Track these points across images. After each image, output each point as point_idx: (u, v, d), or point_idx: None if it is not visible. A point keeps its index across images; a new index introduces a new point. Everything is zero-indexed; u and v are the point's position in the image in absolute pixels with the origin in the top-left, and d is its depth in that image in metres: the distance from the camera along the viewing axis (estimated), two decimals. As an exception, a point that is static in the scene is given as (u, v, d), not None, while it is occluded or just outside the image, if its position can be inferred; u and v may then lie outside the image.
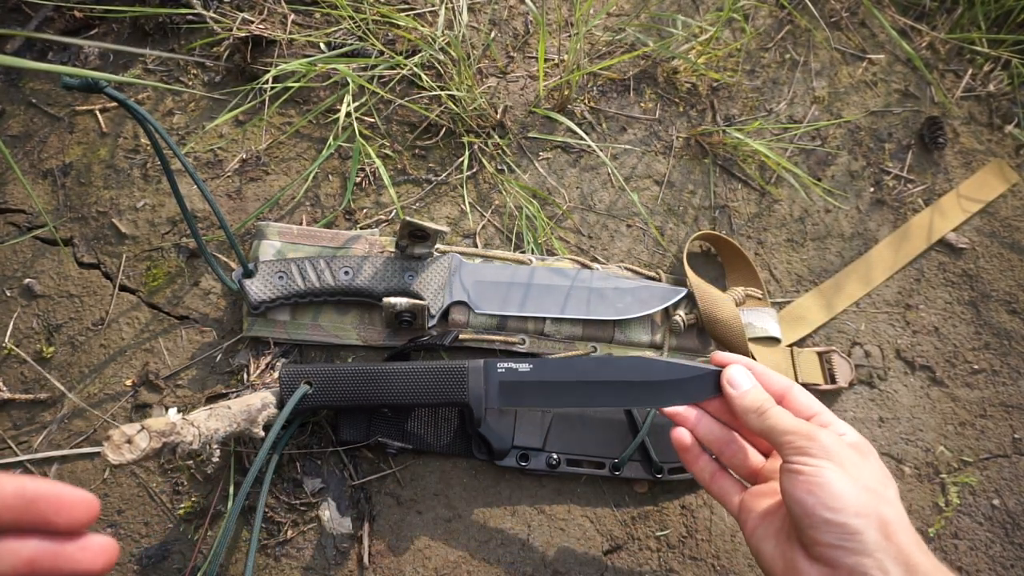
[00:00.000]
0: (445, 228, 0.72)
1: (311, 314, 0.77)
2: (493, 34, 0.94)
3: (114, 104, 0.86)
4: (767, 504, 0.60)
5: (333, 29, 0.90)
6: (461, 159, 0.87)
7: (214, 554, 0.60)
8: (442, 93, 0.85)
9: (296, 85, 0.87)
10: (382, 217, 0.84)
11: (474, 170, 0.87)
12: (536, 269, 0.79)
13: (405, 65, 0.86)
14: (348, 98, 0.83)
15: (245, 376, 0.77)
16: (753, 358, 0.78)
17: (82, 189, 0.84)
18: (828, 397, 0.83)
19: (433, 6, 0.92)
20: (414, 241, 0.74)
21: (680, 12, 0.97)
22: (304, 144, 0.87)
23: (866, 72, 0.99)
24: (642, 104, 0.94)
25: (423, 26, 0.88)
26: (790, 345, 0.83)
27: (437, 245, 0.78)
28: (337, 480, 0.74)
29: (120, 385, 0.77)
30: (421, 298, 0.74)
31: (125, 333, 0.79)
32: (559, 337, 0.79)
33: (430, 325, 0.75)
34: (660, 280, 0.83)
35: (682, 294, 0.80)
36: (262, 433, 0.66)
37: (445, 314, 0.77)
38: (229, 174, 0.85)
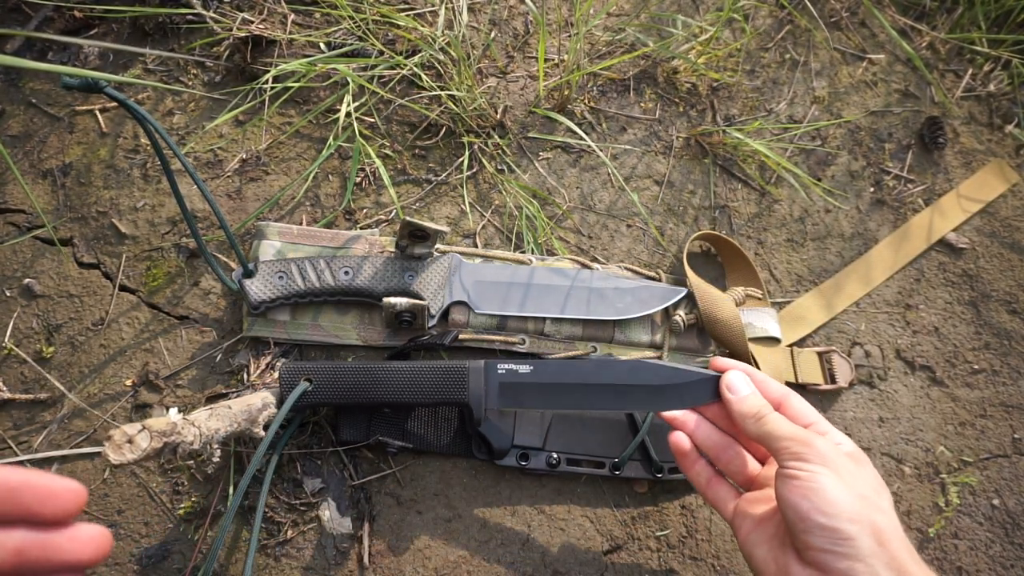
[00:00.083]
0: (445, 228, 0.72)
1: (311, 314, 0.77)
2: (493, 34, 0.94)
3: (114, 104, 0.86)
4: (761, 510, 0.60)
5: (333, 29, 0.90)
6: (461, 159, 0.87)
7: (211, 553, 0.60)
8: (442, 93, 0.85)
9: (296, 85, 0.87)
10: (382, 217, 0.84)
11: (474, 170, 0.87)
12: (536, 269, 0.79)
13: (405, 65, 0.86)
14: (348, 98, 0.84)
15: (245, 376, 0.77)
16: (753, 358, 0.78)
17: (82, 189, 0.84)
18: (828, 397, 0.83)
19: (433, 6, 0.92)
20: (414, 241, 0.74)
21: (680, 12, 0.97)
22: (304, 144, 0.87)
23: (866, 72, 0.99)
24: (642, 104, 0.94)
25: (423, 26, 0.88)
26: (790, 345, 0.83)
27: (437, 245, 0.78)
28: (337, 480, 0.74)
29: (120, 385, 0.77)
30: (421, 298, 0.74)
31: (125, 333, 0.79)
32: (559, 337, 0.79)
33: (430, 325, 0.75)
34: (660, 280, 0.83)
35: (682, 294, 0.80)
36: (263, 433, 0.66)
37: (445, 314, 0.77)
38: (229, 174, 0.85)
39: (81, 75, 0.53)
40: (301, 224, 0.83)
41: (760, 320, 0.81)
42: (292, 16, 0.90)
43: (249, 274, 0.74)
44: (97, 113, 0.87)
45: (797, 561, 0.54)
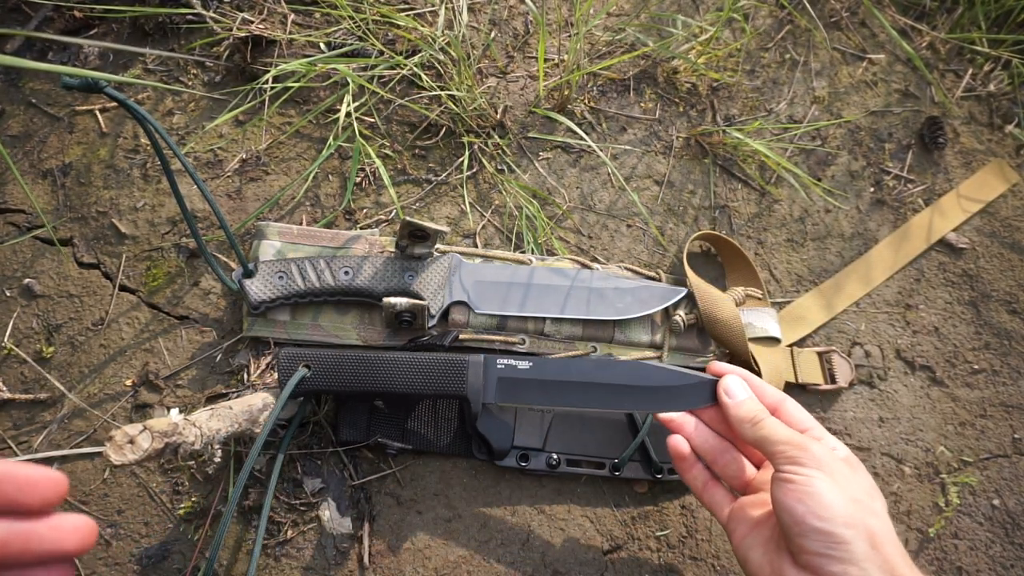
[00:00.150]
0: (445, 228, 0.72)
1: (311, 314, 0.77)
2: (493, 34, 0.94)
3: (114, 104, 0.86)
4: (756, 514, 0.61)
5: (333, 29, 0.90)
6: (461, 159, 0.87)
7: (213, 552, 0.60)
8: (442, 93, 0.85)
9: (296, 85, 0.87)
10: (382, 217, 0.84)
11: (474, 170, 0.87)
12: (536, 269, 0.79)
13: (405, 65, 0.86)
14: (348, 98, 0.83)
15: (245, 376, 0.77)
16: (753, 358, 0.78)
17: (82, 189, 0.84)
18: (828, 397, 0.83)
19: (433, 6, 0.92)
20: (414, 241, 0.74)
21: (680, 12, 0.97)
22: (304, 144, 0.87)
23: (866, 72, 0.99)
24: (642, 104, 0.94)
25: (423, 26, 0.88)
26: (790, 345, 0.83)
27: (437, 245, 0.78)
28: (337, 480, 0.74)
29: (120, 385, 0.77)
30: (421, 298, 0.74)
31: (125, 333, 0.79)
32: (559, 337, 0.79)
33: (430, 325, 0.75)
34: (660, 280, 0.83)
35: (682, 294, 0.80)
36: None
37: (445, 314, 0.77)
38: (229, 174, 0.85)
39: (81, 75, 0.53)
40: (301, 224, 0.83)
41: (760, 320, 0.81)
42: (292, 16, 0.90)
43: (249, 274, 0.74)
44: (97, 113, 0.87)
45: (792, 565, 0.55)
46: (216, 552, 0.60)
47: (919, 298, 0.89)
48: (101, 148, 0.85)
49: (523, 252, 0.83)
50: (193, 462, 0.73)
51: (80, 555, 0.41)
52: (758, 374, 0.77)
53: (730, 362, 0.80)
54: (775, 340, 0.81)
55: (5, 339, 0.77)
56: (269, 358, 0.77)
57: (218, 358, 0.78)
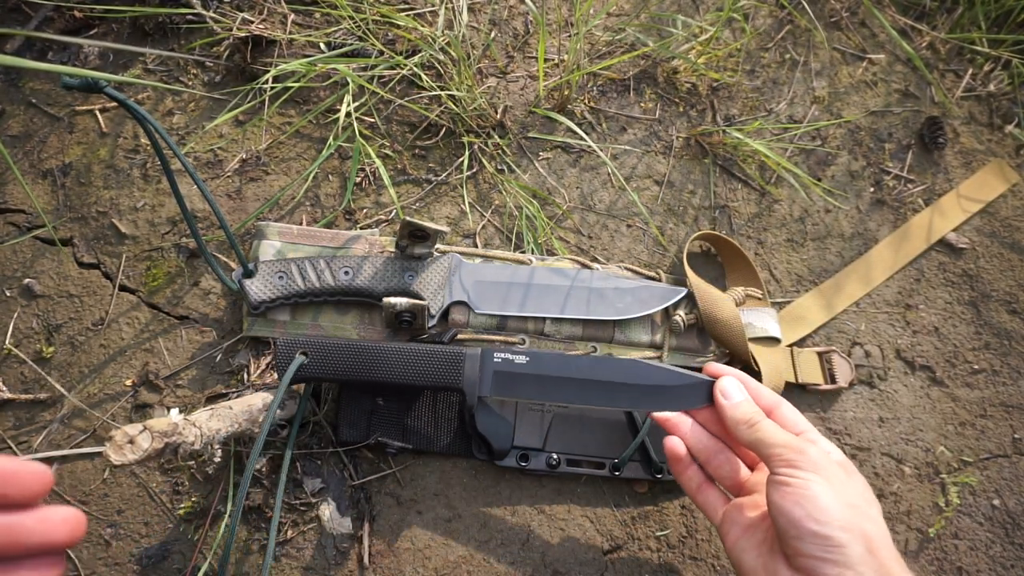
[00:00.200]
0: (445, 228, 0.72)
1: (311, 314, 0.77)
2: (493, 34, 0.94)
3: (114, 104, 0.86)
4: (750, 516, 0.61)
5: (333, 29, 0.90)
6: (461, 159, 0.87)
7: (224, 554, 0.60)
8: (442, 93, 0.85)
9: (296, 85, 0.87)
10: (382, 217, 0.84)
11: (474, 170, 0.87)
12: (536, 269, 0.79)
13: (405, 65, 0.86)
14: (348, 98, 0.83)
15: (245, 376, 0.77)
16: (753, 358, 0.78)
17: (82, 189, 0.84)
18: (828, 397, 0.83)
19: (433, 6, 0.92)
20: (414, 241, 0.74)
21: (680, 12, 0.97)
22: (304, 144, 0.87)
23: (866, 72, 0.99)
24: (642, 104, 0.94)
25: (423, 26, 0.88)
26: (790, 345, 0.83)
27: (437, 245, 0.78)
28: (337, 480, 0.74)
29: (120, 385, 0.77)
30: (421, 298, 0.74)
31: (125, 333, 0.79)
32: (559, 337, 0.79)
33: (430, 325, 0.75)
34: (660, 280, 0.83)
35: (682, 294, 0.80)
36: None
37: (445, 314, 0.77)
38: (229, 174, 0.85)
39: (81, 75, 0.53)
40: (301, 224, 0.83)
41: (760, 320, 0.81)
42: (292, 16, 0.90)
43: (249, 274, 0.74)
44: (97, 113, 0.87)
45: (786, 567, 0.55)
46: (228, 555, 0.60)
47: (919, 298, 0.89)
48: (101, 148, 0.85)
49: (523, 252, 0.83)
50: (193, 462, 0.73)
51: (70, 547, 0.41)
52: (758, 374, 0.77)
53: (730, 362, 0.80)
54: (775, 340, 0.81)
55: (5, 339, 0.77)
56: (269, 358, 0.77)
57: (218, 358, 0.78)
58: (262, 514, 0.72)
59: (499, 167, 0.88)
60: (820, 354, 0.83)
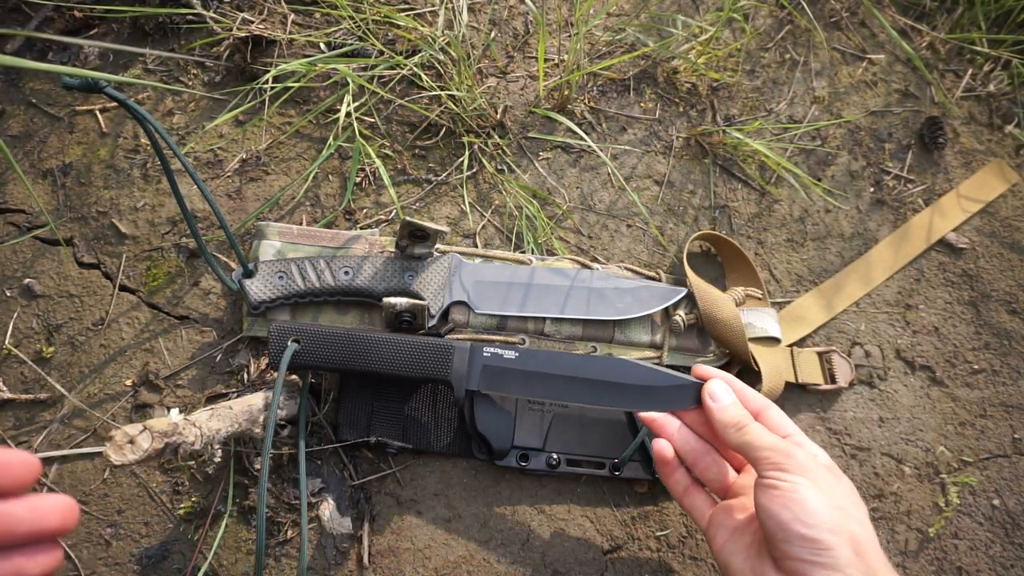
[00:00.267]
0: (445, 228, 0.72)
1: (311, 314, 0.77)
2: (493, 34, 0.94)
3: (114, 104, 0.86)
4: (738, 519, 0.61)
5: (333, 29, 0.90)
6: (461, 159, 0.87)
7: (258, 556, 0.59)
8: (442, 93, 0.85)
9: (296, 85, 0.87)
10: (382, 217, 0.84)
11: (474, 170, 0.87)
12: (536, 269, 0.79)
13: (405, 65, 0.86)
14: (348, 98, 0.83)
15: (245, 376, 0.77)
16: (753, 358, 0.78)
17: (82, 189, 0.84)
18: (828, 397, 0.83)
19: (433, 6, 0.92)
20: (414, 241, 0.74)
21: (680, 12, 0.97)
22: (304, 144, 0.87)
23: (866, 72, 0.99)
24: (642, 104, 0.94)
25: (423, 26, 0.88)
26: (790, 345, 0.83)
27: (437, 245, 0.78)
28: (337, 480, 0.74)
29: (120, 385, 0.77)
30: (421, 298, 0.74)
31: (125, 333, 0.79)
32: (559, 337, 0.79)
33: (430, 325, 0.75)
34: (660, 280, 0.83)
35: (682, 294, 0.80)
36: (263, 433, 0.66)
37: (445, 314, 0.77)
38: (229, 174, 0.85)
39: (81, 75, 0.53)
40: (301, 224, 0.83)
41: (760, 320, 0.81)
42: (292, 16, 0.90)
43: (249, 274, 0.74)
44: (97, 113, 0.87)
45: (774, 570, 0.56)
46: (262, 553, 0.59)
47: (919, 298, 0.89)
48: (101, 148, 0.85)
49: (523, 252, 0.83)
50: (193, 462, 0.73)
51: (62, 534, 0.41)
52: (758, 374, 0.77)
53: (730, 362, 0.80)
54: (775, 340, 0.81)
55: (5, 340, 0.77)
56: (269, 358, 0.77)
57: (218, 358, 0.78)
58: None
59: (499, 167, 0.88)
60: (820, 354, 0.83)
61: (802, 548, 0.53)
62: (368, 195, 0.85)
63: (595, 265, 0.82)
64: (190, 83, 0.89)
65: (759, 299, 0.83)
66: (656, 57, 0.95)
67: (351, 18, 0.88)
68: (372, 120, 0.88)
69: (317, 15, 0.92)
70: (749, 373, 0.79)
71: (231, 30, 0.87)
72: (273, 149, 0.86)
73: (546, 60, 0.92)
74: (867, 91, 0.98)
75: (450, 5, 0.90)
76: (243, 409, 0.64)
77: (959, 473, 0.82)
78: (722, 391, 0.64)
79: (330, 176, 0.86)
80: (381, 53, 0.88)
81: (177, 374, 0.77)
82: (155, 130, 0.59)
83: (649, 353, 0.79)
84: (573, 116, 0.91)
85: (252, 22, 0.88)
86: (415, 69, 0.86)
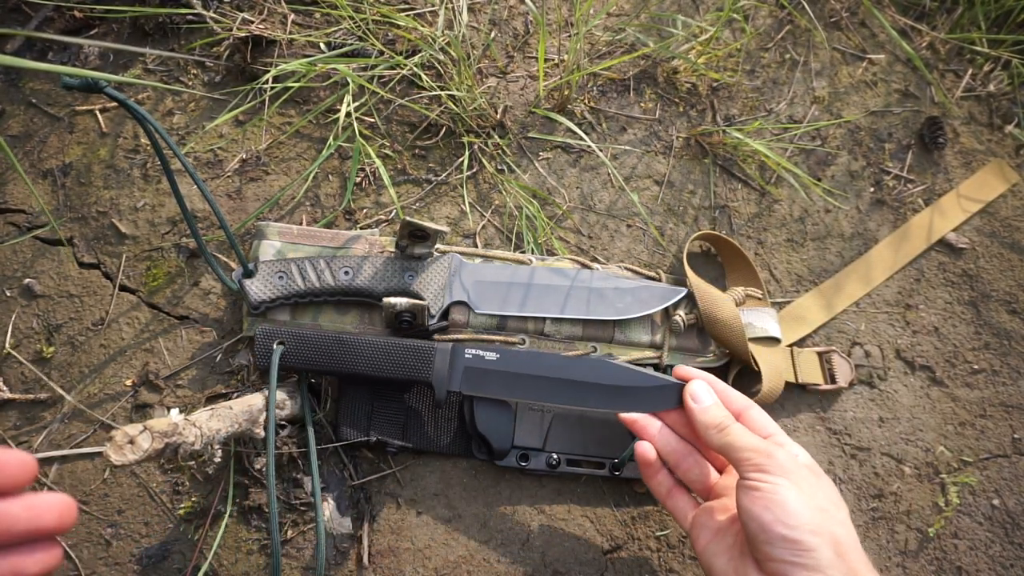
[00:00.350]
0: (445, 228, 0.72)
1: (311, 314, 0.77)
2: (493, 34, 0.94)
3: (114, 104, 0.86)
4: (720, 520, 0.61)
5: (333, 29, 0.90)
6: (461, 159, 0.87)
7: (275, 558, 0.59)
8: (442, 93, 0.85)
9: (296, 85, 0.87)
10: (382, 217, 0.84)
11: (474, 170, 0.87)
12: (536, 269, 0.79)
13: (405, 65, 0.86)
14: (348, 98, 0.83)
15: (245, 376, 0.77)
16: (753, 358, 0.78)
17: (82, 189, 0.84)
18: (828, 397, 0.83)
19: (433, 6, 0.92)
20: (414, 241, 0.74)
21: (680, 12, 0.97)
22: (304, 144, 0.87)
23: (866, 72, 0.99)
24: (642, 104, 0.94)
25: (423, 26, 0.88)
26: (790, 345, 0.83)
27: (437, 245, 0.78)
28: (337, 480, 0.74)
29: (120, 385, 0.77)
30: (421, 298, 0.74)
31: (125, 333, 0.79)
32: (559, 337, 0.79)
33: (430, 325, 0.75)
34: (660, 280, 0.83)
35: (682, 294, 0.80)
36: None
37: (445, 314, 0.77)
38: (229, 174, 0.85)
39: (81, 75, 0.53)
40: (301, 224, 0.83)
41: (760, 320, 0.81)
42: (292, 16, 0.90)
43: (249, 274, 0.74)
44: (97, 113, 0.87)
45: (757, 571, 0.56)
46: (279, 555, 0.59)
47: (919, 298, 0.89)
48: (101, 148, 0.85)
49: (523, 252, 0.83)
50: (193, 462, 0.73)
51: (60, 533, 0.41)
52: (758, 374, 0.77)
53: (729, 362, 0.80)
54: (775, 340, 0.81)
55: (6, 340, 0.77)
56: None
57: (218, 358, 0.78)
58: (263, 514, 0.72)
59: (499, 167, 0.88)
60: (820, 354, 0.83)
61: (783, 549, 0.53)
62: (368, 195, 0.85)
63: (595, 265, 0.82)
64: (190, 83, 0.89)
65: (759, 299, 0.83)
66: (656, 57, 0.95)
67: (351, 18, 0.88)
68: (372, 120, 0.88)
69: (317, 15, 0.92)
70: (749, 373, 0.79)
71: (231, 30, 0.87)
72: (273, 149, 0.86)
73: (546, 60, 0.92)
74: (867, 91, 0.98)
75: (450, 5, 0.90)
76: (243, 409, 0.64)
77: (959, 473, 0.82)
78: (703, 392, 0.64)
79: (330, 176, 0.86)
80: (381, 53, 0.88)
81: (177, 374, 0.77)
82: (155, 130, 0.59)
83: (649, 353, 0.79)
84: (573, 116, 0.91)
85: (252, 22, 0.88)
86: (415, 69, 0.86)
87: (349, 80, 0.84)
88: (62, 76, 0.52)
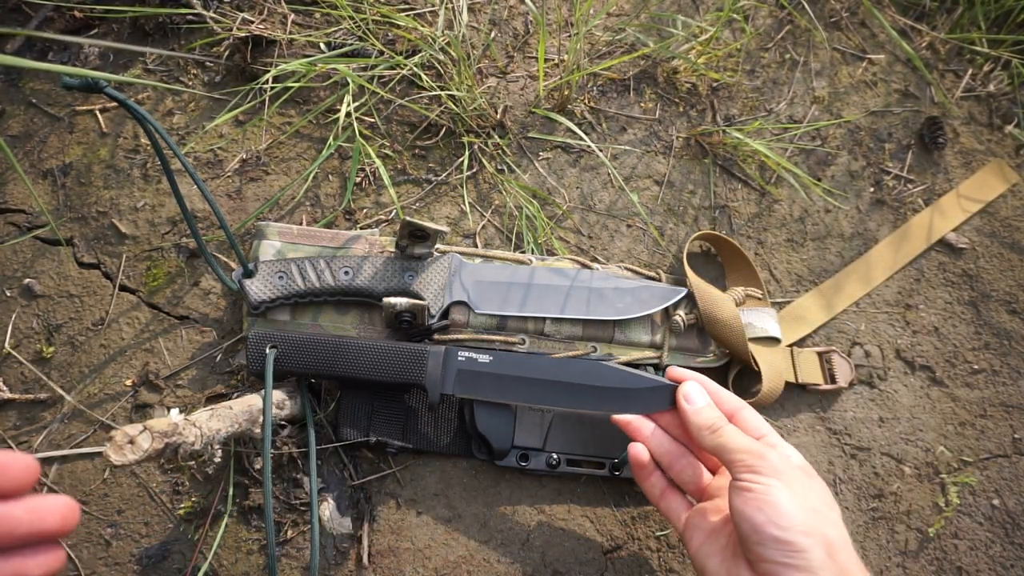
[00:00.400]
0: (445, 228, 0.72)
1: (311, 314, 0.77)
2: (493, 34, 0.94)
3: (114, 104, 0.86)
4: (713, 521, 0.61)
5: (333, 29, 0.90)
6: (461, 159, 0.87)
7: (271, 553, 0.60)
8: (442, 93, 0.85)
9: (296, 85, 0.87)
10: (382, 217, 0.84)
11: (474, 170, 0.87)
12: (536, 269, 0.79)
13: (405, 65, 0.86)
14: (348, 98, 0.83)
15: (245, 376, 0.77)
16: (753, 358, 0.78)
17: (82, 189, 0.84)
18: (828, 397, 0.83)
19: (433, 6, 0.92)
20: (414, 241, 0.74)
21: (680, 12, 0.97)
22: (304, 144, 0.87)
23: (866, 72, 0.99)
24: (642, 104, 0.94)
25: (423, 26, 0.88)
26: (790, 345, 0.83)
27: (437, 245, 0.78)
28: (337, 480, 0.74)
29: (120, 385, 0.77)
30: (421, 298, 0.74)
31: (125, 333, 0.79)
32: (559, 337, 0.79)
33: (430, 325, 0.75)
34: (660, 280, 0.83)
35: (682, 294, 0.80)
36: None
37: (445, 314, 0.77)
38: (229, 174, 0.85)
39: (81, 75, 0.53)
40: (301, 224, 0.83)
41: (760, 320, 0.81)
42: (292, 16, 0.90)
43: (249, 274, 0.74)
44: (97, 113, 0.87)
45: (749, 572, 0.56)
46: (274, 557, 0.59)
47: (919, 298, 0.89)
48: (101, 148, 0.85)
49: (523, 252, 0.83)
50: (193, 462, 0.73)
51: (63, 535, 0.41)
52: (758, 374, 0.77)
53: (729, 362, 0.80)
54: (775, 340, 0.81)
55: (6, 340, 0.77)
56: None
57: (218, 358, 0.78)
58: (263, 514, 0.72)
59: (499, 167, 0.88)
60: (820, 354, 0.83)
61: (775, 550, 0.53)
62: (368, 195, 0.85)
63: (595, 265, 0.82)
64: (190, 83, 0.89)
65: (759, 299, 0.83)
66: (656, 57, 0.95)
67: (351, 18, 0.88)
68: (372, 120, 0.88)
69: (317, 15, 0.92)
70: (749, 373, 0.79)
71: (231, 30, 0.87)
72: (273, 149, 0.86)
73: (546, 60, 0.92)
74: (867, 91, 0.98)
75: (450, 5, 0.90)
76: (243, 409, 0.64)
77: (959, 473, 0.82)
78: (696, 393, 0.64)
79: (330, 176, 0.86)
80: (381, 53, 0.88)
81: (177, 374, 0.77)
82: (155, 130, 0.59)
83: (649, 353, 0.79)
84: (573, 116, 0.91)
85: (252, 22, 0.88)
86: (415, 69, 0.86)
87: (349, 80, 0.84)
88: (62, 76, 0.52)
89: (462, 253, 0.80)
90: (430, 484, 0.75)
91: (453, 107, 0.86)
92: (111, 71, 0.89)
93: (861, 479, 0.80)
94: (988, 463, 0.83)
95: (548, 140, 0.90)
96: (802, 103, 0.96)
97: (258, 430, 0.65)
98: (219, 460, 0.63)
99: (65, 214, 0.83)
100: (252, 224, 0.82)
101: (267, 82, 0.85)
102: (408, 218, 0.71)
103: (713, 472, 0.67)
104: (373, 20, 0.89)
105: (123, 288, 0.80)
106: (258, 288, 0.73)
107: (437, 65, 0.88)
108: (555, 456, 0.74)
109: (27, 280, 0.80)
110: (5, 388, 0.75)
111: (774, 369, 0.78)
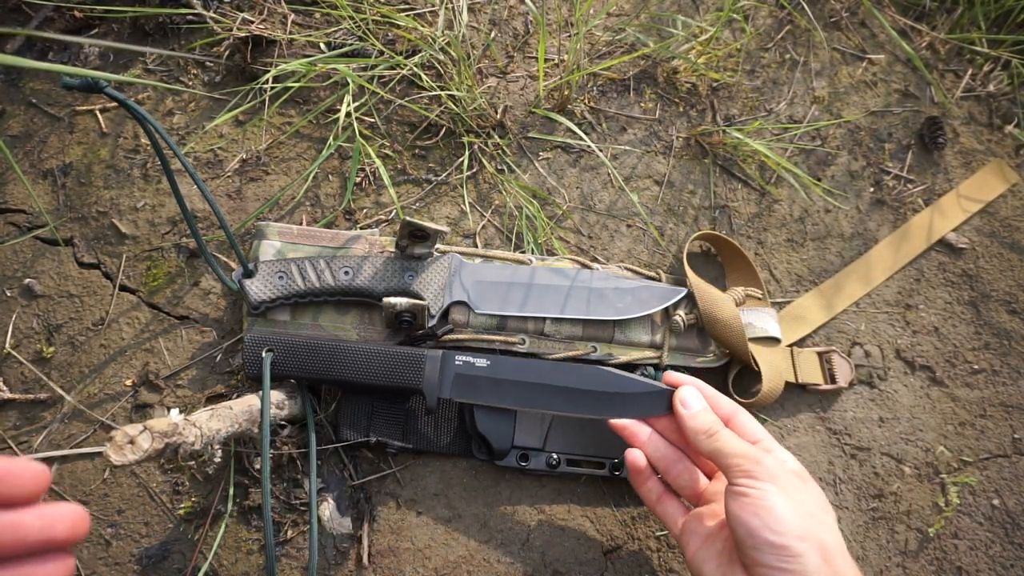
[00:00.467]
0: (445, 228, 0.72)
1: (311, 314, 0.77)
2: (493, 34, 0.94)
3: (114, 104, 0.86)
4: (709, 526, 0.62)
5: (333, 29, 0.90)
6: (461, 159, 0.87)
7: (269, 553, 0.60)
8: (442, 93, 0.85)
9: (296, 85, 0.87)
10: (382, 217, 0.84)
11: (474, 170, 0.87)
12: (536, 269, 0.79)
13: (405, 65, 0.86)
14: (348, 98, 0.83)
15: (245, 376, 0.76)
16: (753, 358, 0.78)
17: (82, 189, 0.84)
18: (828, 397, 0.83)
19: (433, 6, 0.92)
20: (414, 241, 0.74)
21: (680, 12, 0.97)
22: (304, 144, 0.87)
23: (866, 72, 0.99)
24: (642, 104, 0.94)
25: (423, 26, 0.88)
26: (790, 345, 0.83)
27: (437, 245, 0.78)
28: (337, 480, 0.74)
29: (120, 385, 0.77)
30: (421, 298, 0.74)
31: (125, 333, 0.79)
32: (559, 337, 0.79)
33: (430, 325, 0.75)
34: (660, 280, 0.83)
35: (682, 294, 0.80)
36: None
37: (445, 314, 0.77)
38: (229, 174, 0.85)
39: (81, 75, 0.53)
40: (301, 224, 0.83)
41: (760, 320, 0.81)
42: (292, 16, 0.90)
43: (249, 274, 0.74)
44: (97, 113, 0.87)
45: None
46: (273, 558, 0.59)
47: (919, 298, 0.89)
48: (101, 148, 0.85)
49: (523, 252, 0.83)
50: (193, 462, 0.73)
51: (73, 544, 0.41)
52: (758, 374, 0.77)
53: (729, 362, 0.80)
54: (775, 340, 0.81)
55: (6, 340, 0.77)
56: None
57: (218, 358, 0.78)
58: (263, 514, 0.72)
59: (499, 167, 0.88)
60: (820, 354, 0.83)
61: (771, 555, 0.53)
62: (368, 195, 0.85)
63: (595, 265, 0.82)
64: (190, 83, 0.89)
65: (759, 299, 0.83)
66: (656, 57, 0.95)
67: (351, 18, 0.88)
68: (372, 120, 0.88)
69: (317, 15, 0.92)
70: (749, 373, 0.79)
71: (231, 30, 0.87)
72: (273, 149, 0.86)
73: (546, 60, 0.92)
74: (867, 91, 0.98)
75: (450, 5, 0.90)
76: (243, 409, 0.64)
77: (959, 473, 0.82)
78: (693, 397, 0.65)
79: (330, 176, 0.86)
80: (381, 53, 0.88)
81: (177, 374, 0.77)
82: (155, 130, 0.59)
83: (649, 353, 0.79)
84: (573, 116, 0.91)
85: (252, 22, 0.88)
86: (415, 69, 0.86)
87: (349, 80, 0.84)
88: (62, 76, 0.52)
89: (462, 253, 0.80)
90: (430, 484, 0.75)
91: (453, 107, 0.86)
92: (111, 71, 0.89)
93: (861, 479, 0.80)
94: (988, 463, 0.83)
95: (548, 140, 0.90)
96: (802, 103, 0.96)
97: (258, 430, 0.65)
98: (219, 460, 0.63)
99: (65, 214, 0.83)
100: (252, 224, 0.82)
101: (267, 82, 0.85)
102: (408, 218, 0.71)
103: (709, 477, 0.67)
104: (373, 20, 0.89)
105: (123, 288, 0.80)
106: (258, 288, 0.73)
107: (437, 65, 0.88)
108: (555, 456, 0.74)
109: (27, 280, 0.80)
110: (5, 388, 0.75)
111: (774, 369, 0.78)
